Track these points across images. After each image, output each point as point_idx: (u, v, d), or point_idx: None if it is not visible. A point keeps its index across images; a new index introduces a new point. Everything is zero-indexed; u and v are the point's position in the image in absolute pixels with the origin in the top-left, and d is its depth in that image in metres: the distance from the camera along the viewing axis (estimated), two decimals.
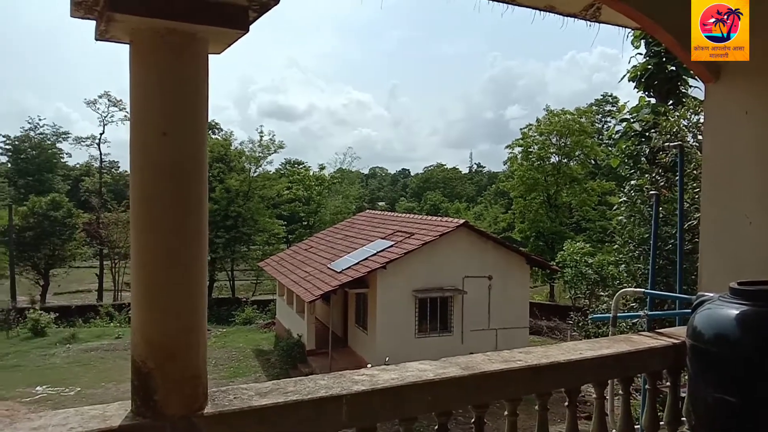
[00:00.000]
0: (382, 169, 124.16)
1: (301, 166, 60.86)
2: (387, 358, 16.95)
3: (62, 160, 75.28)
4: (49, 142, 73.72)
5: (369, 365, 17.51)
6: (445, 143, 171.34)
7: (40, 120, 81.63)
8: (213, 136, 51.72)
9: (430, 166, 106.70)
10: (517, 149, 45.55)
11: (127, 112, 52.87)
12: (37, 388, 19.78)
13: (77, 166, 73.08)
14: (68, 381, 20.56)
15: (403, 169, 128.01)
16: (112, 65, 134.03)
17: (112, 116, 51.28)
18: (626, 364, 3.14)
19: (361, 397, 2.30)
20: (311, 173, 57.00)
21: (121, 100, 50.65)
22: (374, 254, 20.28)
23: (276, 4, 2.00)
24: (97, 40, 2.11)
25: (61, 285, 48.35)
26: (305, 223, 52.43)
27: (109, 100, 50.19)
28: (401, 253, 19.28)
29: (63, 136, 72.83)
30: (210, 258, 41.33)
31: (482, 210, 67.43)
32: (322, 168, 59.76)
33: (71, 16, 2.09)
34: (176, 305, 1.98)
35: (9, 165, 74.15)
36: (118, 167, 68.54)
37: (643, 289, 8.38)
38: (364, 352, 20.47)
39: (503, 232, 45.96)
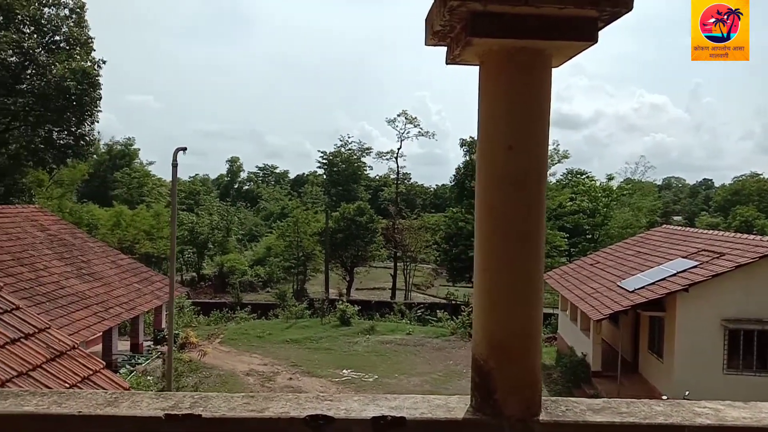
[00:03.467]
0: (678, 180, 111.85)
1: (584, 176, 58.41)
2: (687, 393, 15.14)
3: (365, 172, 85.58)
4: (355, 157, 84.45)
5: (664, 396, 15.88)
6: (761, 149, 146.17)
7: (349, 137, 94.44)
8: None
9: (742, 175, 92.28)
10: None
11: (420, 128, 57.79)
12: (344, 371, 22.69)
13: (377, 177, 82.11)
14: (368, 368, 23.15)
15: (704, 179, 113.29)
16: (408, 88, 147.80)
17: (408, 132, 56.27)
18: None
19: None
20: (597, 184, 54.26)
21: (416, 118, 55.42)
22: (673, 275, 18.29)
23: (628, 12, 1.95)
24: (447, 64, 2.33)
25: (362, 282, 54.94)
26: (589, 236, 50.06)
27: (406, 118, 55.28)
28: (708, 276, 17.00)
29: (366, 151, 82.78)
30: None
31: None
32: (610, 178, 56.49)
33: (426, 44, 2.35)
34: (515, 310, 2.07)
35: (324, 177, 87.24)
36: (410, 179, 75.04)
37: None
38: (657, 382, 18.60)
39: None
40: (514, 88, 2.06)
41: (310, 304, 38.01)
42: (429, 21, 2.22)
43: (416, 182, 78.91)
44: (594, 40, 2.00)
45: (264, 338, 28.85)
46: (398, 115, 55.85)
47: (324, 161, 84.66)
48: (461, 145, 69.01)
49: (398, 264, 51.82)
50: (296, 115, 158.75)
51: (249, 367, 22.95)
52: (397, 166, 60.13)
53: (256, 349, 26.42)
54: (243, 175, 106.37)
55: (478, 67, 2.20)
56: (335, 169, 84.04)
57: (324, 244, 48.34)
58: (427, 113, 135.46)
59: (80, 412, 2.11)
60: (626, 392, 18.05)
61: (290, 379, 21.60)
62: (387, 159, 60.16)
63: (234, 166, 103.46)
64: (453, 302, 39.86)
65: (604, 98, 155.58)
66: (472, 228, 43.91)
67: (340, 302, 35.25)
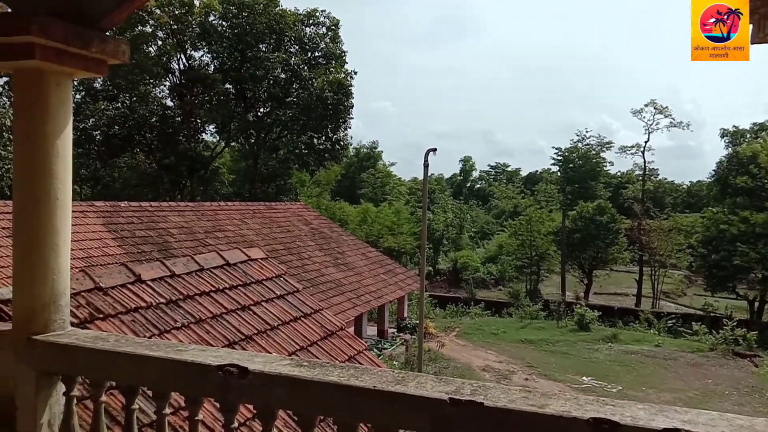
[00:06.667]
0: None
1: None
2: None
3: (605, 169, 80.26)
4: (594, 152, 79.65)
5: None
6: None
7: (586, 132, 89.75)
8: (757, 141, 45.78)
9: None
10: None
11: (672, 118, 52.20)
12: (583, 378, 21.62)
13: (618, 174, 76.53)
14: (610, 377, 21.72)
15: None
16: (656, 75, 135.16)
17: (657, 124, 51.32)
18: None
19: None
20: None
21: (666, 107, 50.25)
22: None
23: None
24: None
25: (602, 286, 51.76)
26: None
27: (654, 107, 50.46)
28: None
29: (606, 145, 77.46)
30: (761, 276, 36.48)
31: None
32: None
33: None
34: None
35: (559, 174, 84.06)
36: (657, 174, 68.31)
37: None
38: None
39: None
40: None
41: (545, 306, 37.10)
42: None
43: (665, 178, 71.75)
44: None
45: (498, 336, 28.93)
46: (645, 105, 51.18)
47: (559, 158, 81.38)
48: (722, 136, 60.70)
49: (644, 268, 47.62)
50: (526, 111, 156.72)
51: (485, 363, 23.22)
52: (644, 161, 55.10)
53: (491, 345, 26.63)
54: (475, 173, 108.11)
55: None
56: (571, 165, 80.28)
57: (560, 244, 46.64)
58: (679, 102, 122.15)
59: (375, 386, 2.37)
60: None
61: (526, 379, 21.30)
62: (632, 153, 55.50)
63: (466, 165, 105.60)
64: (711, 314, 35.29)
65: None
66: (737, 231, 38.46)
67: (578, 306, 33.75)
